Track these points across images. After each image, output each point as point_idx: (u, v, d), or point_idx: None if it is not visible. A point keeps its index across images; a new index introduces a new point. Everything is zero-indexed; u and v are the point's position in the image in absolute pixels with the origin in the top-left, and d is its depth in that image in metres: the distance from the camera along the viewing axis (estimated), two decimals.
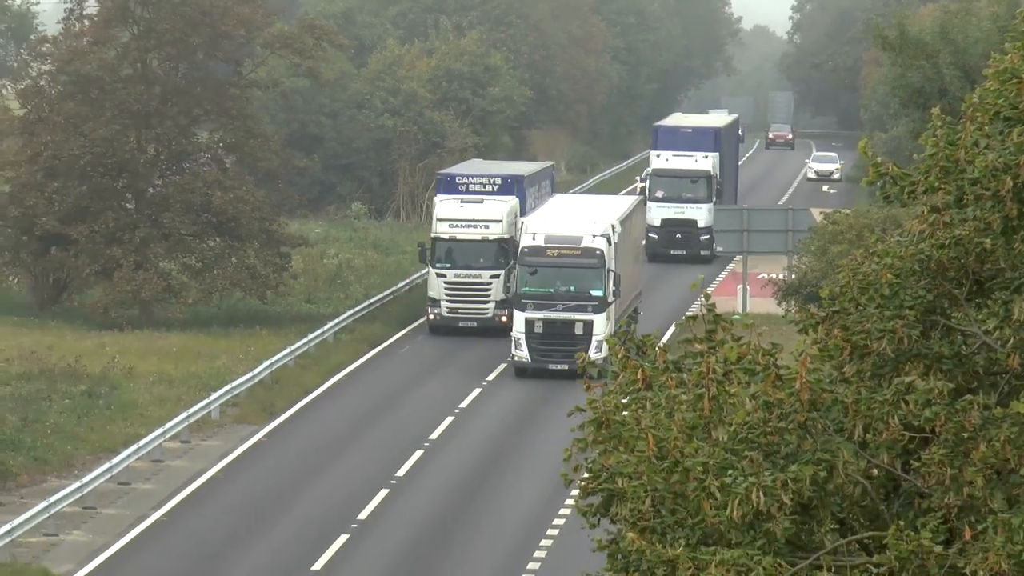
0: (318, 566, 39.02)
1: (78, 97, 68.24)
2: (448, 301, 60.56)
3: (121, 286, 65.23)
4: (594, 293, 54.89)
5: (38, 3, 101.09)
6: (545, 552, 39.39)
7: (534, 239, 55.44)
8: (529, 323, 54.83)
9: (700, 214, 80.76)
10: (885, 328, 15.82)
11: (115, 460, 45.37)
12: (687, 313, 35.14)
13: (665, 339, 34.47)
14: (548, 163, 79.39)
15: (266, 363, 57.99)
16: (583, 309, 54.74)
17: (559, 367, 54.44)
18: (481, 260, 61.30)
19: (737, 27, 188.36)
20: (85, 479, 43.35)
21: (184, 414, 50.64)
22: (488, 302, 60.90)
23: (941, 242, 15.96)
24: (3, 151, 68.86)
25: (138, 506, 44.30)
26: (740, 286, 72.37)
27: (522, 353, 55.28)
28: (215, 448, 50.85)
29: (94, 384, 55.34)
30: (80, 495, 42.70)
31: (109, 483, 44.85)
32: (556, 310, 54.79)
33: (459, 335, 63.88)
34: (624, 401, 16.55)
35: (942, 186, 15.88)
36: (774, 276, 67.53)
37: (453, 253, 61.00)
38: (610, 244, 55.51)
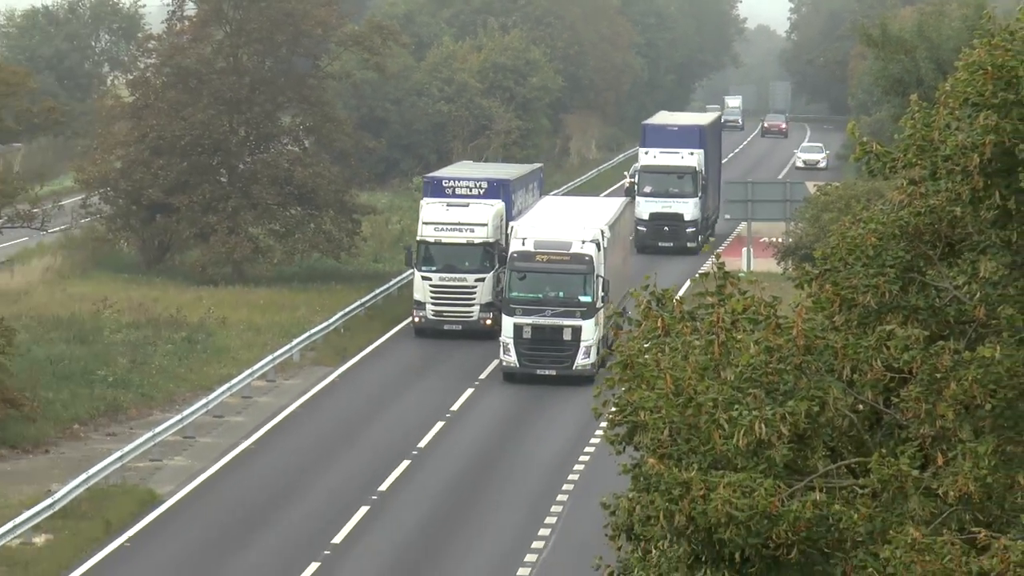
0: (384, 487, 39.34)
1: (179, 86, 68.19)
2: (433, 304, 53.27)
3: (216, 248, 65.46)
4: (582, 299, 47.93)
5: (144, 6, 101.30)
6: (562, 505, 38.82)
7: (523, 244, 48.57)
8: (517, 328, 47.85)
9: (687, 208, 74.66)
10: (869, 284, 15.86)
11: (211, 396, 45.76)
12: (700, 271, 34.53)
13: (681, 293, 33.27)
14: (536, 165, 70.56)
15: (340, 313, 57.78)
16: (571, 315, 47.91)
17: (547, 372, 48.44)
18: (466, 264, 53.55)
19: (743, 26, 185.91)
20: (185, 412, 43.78)
21: (269, 357, 50.96)
22: (473, 305, 53.55)
23: (918, 210, 15.97)
24: (115, 133, 68.90)
25: (231, 436, 44.77)
26: (745, 248, 71.67)
27: (510, 358, 48.29)
28: (296, 386, 51.07)
29: (193, 331, 55.76)
30: (181, 426, 43.15)
31: (206, 416, 45.22)
32: (544, 315, 47.92)
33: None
34: (646, 346, 16.58)
35: (918, 162, 15.92)
36: (774, 239, 66.19)
37: (438, 256, 53.39)
38: (599, 249, 49.17)
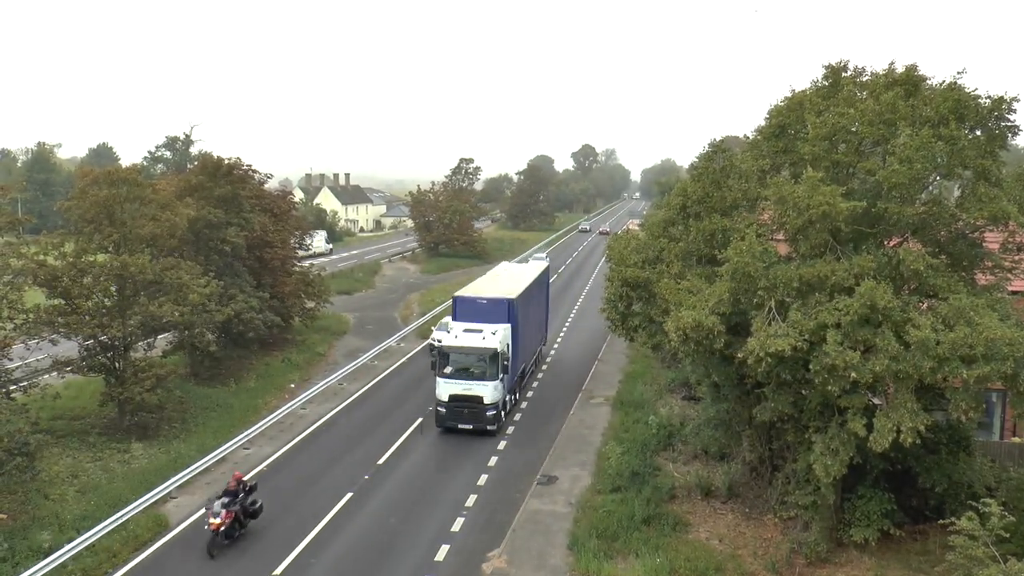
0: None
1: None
2: None
3: None
4: None
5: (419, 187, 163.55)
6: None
7: None
8: None
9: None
10: (655, 236, 41.54)
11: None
12: (621, 228, 53.42)
13: (618, 232, 48.50)
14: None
15: None
16: None
17: None
18: None
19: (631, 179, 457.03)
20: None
21: None
22: None
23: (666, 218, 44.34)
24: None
25: None
26: (628, 224, 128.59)
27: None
28: None
29: None
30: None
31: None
32: None
33: None
34: (615, 244, 42.56)
35: (668, 207, 41.90)
36: (632, 224, 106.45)
37: None
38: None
